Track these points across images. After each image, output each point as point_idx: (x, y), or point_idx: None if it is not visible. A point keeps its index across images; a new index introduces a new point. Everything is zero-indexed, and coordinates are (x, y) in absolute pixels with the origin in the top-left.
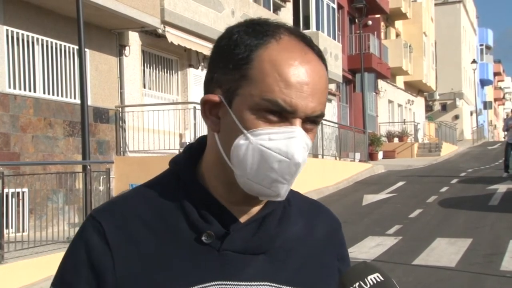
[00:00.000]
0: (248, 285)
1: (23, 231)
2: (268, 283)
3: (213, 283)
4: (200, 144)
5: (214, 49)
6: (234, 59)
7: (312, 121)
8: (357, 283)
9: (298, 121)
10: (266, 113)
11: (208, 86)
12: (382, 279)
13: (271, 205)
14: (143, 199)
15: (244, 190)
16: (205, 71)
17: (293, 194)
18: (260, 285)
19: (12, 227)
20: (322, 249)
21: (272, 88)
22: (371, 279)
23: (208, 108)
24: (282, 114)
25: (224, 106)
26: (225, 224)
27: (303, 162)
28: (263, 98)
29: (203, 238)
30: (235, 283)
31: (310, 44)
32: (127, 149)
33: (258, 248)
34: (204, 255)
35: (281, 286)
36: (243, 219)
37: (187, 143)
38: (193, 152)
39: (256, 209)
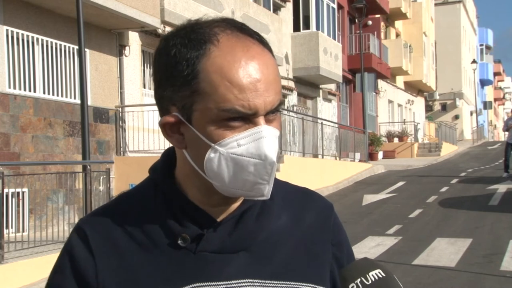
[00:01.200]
0: (228, 284)
1: (23, 231)
2: (250, 280)
3: (191, 285)
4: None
5: (156, 65)
6: (179, 76)
7: (273, 111)
8: (359, 279)
9: (261, 119)
10: (228, 121)
11: (162, 104)
12: (384, 275)
13: (248, 201)
14: (124, 208)
15: (223, 194)
16: None
17: (280, 185)
18: (241, 282)
19: (12, 227)
20: (312, 237)
21: (227, 97)
22: (372, 275)
23: (168, 128)
24: (244, 117)
25: (184, 123)
26: (203, 226)
27: (276, 156)
28: (221, 109)
29: (179, 241)
30: (214, 283)
31: (249, 33)
32: (127, 149)
33: (236, 246)
34: (181, 259)
35: (264, 281)
36: (222, 219)
37: None
38: (171, 157)
39: (234, 206)
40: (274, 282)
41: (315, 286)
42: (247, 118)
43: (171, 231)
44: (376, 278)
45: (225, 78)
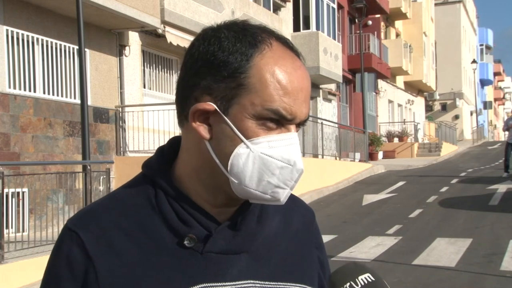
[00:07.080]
0: (232, 285)
1: (23, 231)
2: (252, 281)
3: (198, 286)
4: (172, 146)
5: (197, 54)
6: (228, 67)
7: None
8: (348, 283)
9: (293, 127)
10: (266, 121)
11: (192, 92)
12: (373, 279)
13: (248, 204)
14: (118, 206)
15: (229, 194)
16: None
17: None
18: (244, 283)
19: (12, 227)
20: (300, 240)
21: (274, 97)
22: (362, 279)
23: (197, 116)
24: (280, 121)
25: (217, 114)
26: (206, 226)
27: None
28: (265, 108)
29: (185, 242)
30: (220, 284)
31: (292, 48)
32: (127, 149)
33: (240, 247)
34: (188, 259)
35: (264, 282)
36: (222, 220)
37: None
38: (166, 155)
39: (233, 209)
40: (273, 283)
41: (308, 287)
42: (281, 123)
43: (175, 231)
44: (366, 282)
45: (275, 79)
